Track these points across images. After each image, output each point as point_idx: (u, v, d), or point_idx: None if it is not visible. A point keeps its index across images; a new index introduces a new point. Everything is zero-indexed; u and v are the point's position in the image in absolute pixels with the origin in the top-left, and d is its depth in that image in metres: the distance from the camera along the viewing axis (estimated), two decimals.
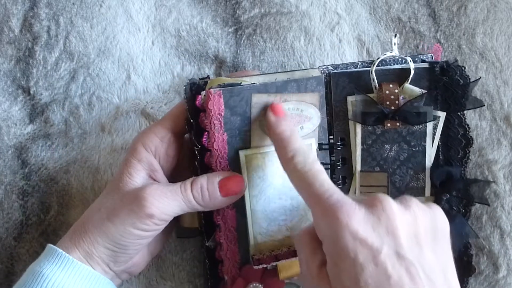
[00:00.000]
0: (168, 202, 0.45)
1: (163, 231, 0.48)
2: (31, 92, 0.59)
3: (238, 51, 0.62)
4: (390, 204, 0.38)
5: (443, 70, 0.50)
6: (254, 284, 0.49)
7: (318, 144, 0.50)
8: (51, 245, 0.46)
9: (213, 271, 0.50)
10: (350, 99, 0.50)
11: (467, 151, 0.50)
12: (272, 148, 0.47)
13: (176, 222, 0.52)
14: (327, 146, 0.50)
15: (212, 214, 0.49)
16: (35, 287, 0.44)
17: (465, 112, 0.50)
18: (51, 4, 0.61)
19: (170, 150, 0.49)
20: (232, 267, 0.49)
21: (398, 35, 0.51)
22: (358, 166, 0.50)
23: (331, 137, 0.52)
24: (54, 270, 0.44)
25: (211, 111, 0.46)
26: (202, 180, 0.46)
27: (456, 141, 0.50)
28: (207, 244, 0.49)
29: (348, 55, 0.62)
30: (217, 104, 0.46)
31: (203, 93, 0.46)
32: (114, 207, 0.46)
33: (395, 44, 0.51)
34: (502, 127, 0.58)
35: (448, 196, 0.49)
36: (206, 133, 0.47)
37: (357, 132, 0.50)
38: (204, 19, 0.62)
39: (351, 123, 0.50)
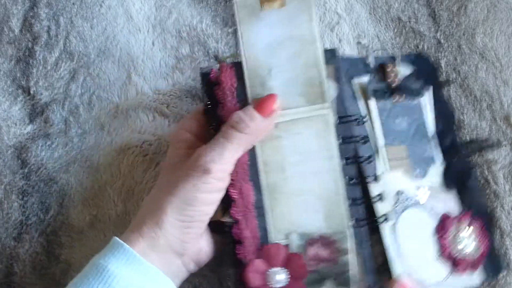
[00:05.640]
0: (218, 152, 0.45)
1: None
2: (31, 92, 0.59)
3: (238, 51, 0.62)
4: None
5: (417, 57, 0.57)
6: (277, 269, 0.46)
7: (339, 117, 0.49)
8: (117, 238, 0.44)
9: (233, 252, 0.47)
10: (355, 81, 0.52)
11: (454, 121, 0.56)
12: (284, 118, 0.47)
13: None
14: (347, 118, 0.49)
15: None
16: (99, 281, 0.42)
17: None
18: (51, 4, 0.61)
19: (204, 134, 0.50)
20: (251, 247, 0.47)
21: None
22: (380, 140, 0.51)
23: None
24: (119, 266, 0.43)
25: (224, 83, 0.48)
26: (237, 112, 0.46)
27: (442, 114, 0.55)
28: (223, 220, 0.47)
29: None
30: (229, 76, 0.48)
31: (217, 66, 0.49)
32: (169, 180, 0.46)
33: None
34: (502, 127, 0.58)
35: (457, 159, 0.54)
36: (221, 104, 0.48)
37: (372, 108, 0.52)
38: (204, 20, 0.62)
39: (361, 102, 0.52)
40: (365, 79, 0.52)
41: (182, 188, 0.44)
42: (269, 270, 0.46)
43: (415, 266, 0.49)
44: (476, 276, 0.52)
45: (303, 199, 0.47)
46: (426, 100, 0.55)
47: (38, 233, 0.56)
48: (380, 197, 0.49)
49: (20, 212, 0.57)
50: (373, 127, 0.51)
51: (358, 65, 0.53)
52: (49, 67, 0.59)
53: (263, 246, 0.47)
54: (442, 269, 0.50)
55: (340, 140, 0.48)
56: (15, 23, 0.60)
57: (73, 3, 0.61)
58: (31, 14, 0.61)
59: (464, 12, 0.62)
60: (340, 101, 0.49)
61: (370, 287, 0.47)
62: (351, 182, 0.48)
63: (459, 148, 0.55)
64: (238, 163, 0.47)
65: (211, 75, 0.49)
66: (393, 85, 0.53)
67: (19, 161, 0.58)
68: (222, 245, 0.50)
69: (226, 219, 0.47)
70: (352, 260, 0.47)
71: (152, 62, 0.61)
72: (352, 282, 0.47)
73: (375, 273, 0.48)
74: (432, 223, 0.51)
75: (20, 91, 0.59)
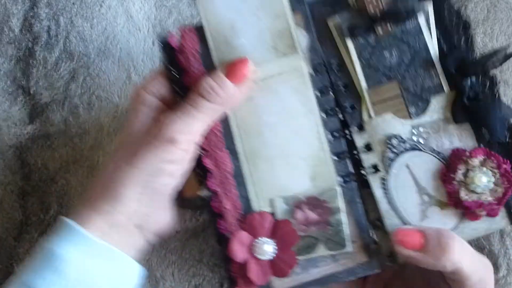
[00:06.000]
0: (185, 122, 0.41)
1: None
2: (31, 92, 0.59)
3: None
4: None
5: None
6: (263, 239, 0.43)
7: (314, 68, 0.45)
8: (65, 218, 0.40)
9: (215, 227, 0.44)
10: (330, 22, 0.46)
11: (469, 33, 0.47)
12: (257, 76, 0.44)
13: (178, 194, 0.46)
14: (322, 67, 0.45)
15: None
16: (51, 268, 0.38)
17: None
18: (51, 4, 0.61)
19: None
20: (233, 220, 0.43)
21: None
22: (363, 83, 0.46)
23: None
24: (69, 249, 0.39)
25: (185, 48, 0.44)
26: (205, 79, 0.42)
27: (453, 27, 0.47)
28: (202, 195, 0.44)
29: None
30: (190, 40, 0.44)
31: (177, 33, 0.45)
32: (128, 150, 0.42)
33: None
34: None
35: (469, 83, 0.45)
36: (186, 71, 0.44)
37: (349, 49, 0.46)
38: None
39: (339, 43, 0.46)
40: (342, 17, 0.46)
41: (145, 159, 0.41)
42: (255, 240, 0.43)
43: (414, 218, 0.45)
44: (501, 219, 0.45)
45: (286, 161, 0.44)
46: (428, 16, 0.47)
47: (39, 233, 0.56)
48: (368, 147, 0.45)
49: (20, 212, 0.57)
50: (351, 71, 0.46)
51: (333, 1, 0.46)
52: (49, 67, 0.59)
53: (246, 216, 0.43)
54: (450, 217, 0.45)
55: (318, 92, 0.45)
56: (15, 23, 0.60)
57: (73, 3, 0.61)
58: (31, 14, 0.61)
59: (464, 12, 0.62)
60: (313, 50, 0.45)
61: (366, 245, 0.44)
62: (333, 136, 0.45)
63: (469, 67, 0.45)
64: (210, 131, 0.44)
65: (171, 41, 0.45)
66: (377, 13, 0.45)
67: (19, 161, 0.58)
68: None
69: (203, 193, 0.44)
70: (345, 220, 0.44)
71: (152, 62, 0.61)
72: (347, 242, 0.44)
73: (370, 230, 0.45)
74: (435, 166, 0.45)
75: (20, 91, 0.59)
